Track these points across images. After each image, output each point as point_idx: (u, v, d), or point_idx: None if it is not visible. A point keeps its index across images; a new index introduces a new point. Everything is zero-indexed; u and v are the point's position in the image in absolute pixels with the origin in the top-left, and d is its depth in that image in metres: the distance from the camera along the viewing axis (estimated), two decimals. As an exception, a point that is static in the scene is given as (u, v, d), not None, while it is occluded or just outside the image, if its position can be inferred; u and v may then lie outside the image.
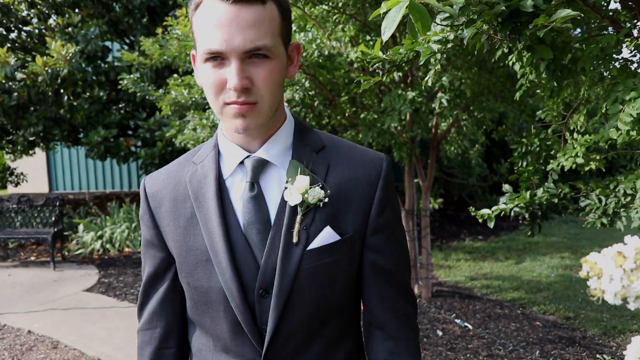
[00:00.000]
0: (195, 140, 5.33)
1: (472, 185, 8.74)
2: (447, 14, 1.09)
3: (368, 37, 3.00)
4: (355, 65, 3.57)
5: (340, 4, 3.18)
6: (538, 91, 2.67)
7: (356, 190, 1.02)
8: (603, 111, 1.81)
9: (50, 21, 8.43)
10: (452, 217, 9.24)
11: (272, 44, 0.94)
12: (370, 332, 1.10)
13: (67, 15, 8.17)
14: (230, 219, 1.01)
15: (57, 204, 6.83)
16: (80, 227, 7.68)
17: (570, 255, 6.65)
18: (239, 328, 1.01)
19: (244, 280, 0.99)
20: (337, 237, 0.99)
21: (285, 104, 0.83)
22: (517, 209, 2.50)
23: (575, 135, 2.67)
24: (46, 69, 7.01)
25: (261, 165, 1.02)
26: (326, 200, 0.99)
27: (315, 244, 0.98)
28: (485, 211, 2.44)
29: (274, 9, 0.95)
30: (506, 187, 2.55)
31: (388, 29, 0.77)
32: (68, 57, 6.97)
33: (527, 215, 2.51)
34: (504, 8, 1.03)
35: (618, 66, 1.86)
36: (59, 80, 7.25)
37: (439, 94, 3.64)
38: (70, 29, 8.13)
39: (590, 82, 2.23)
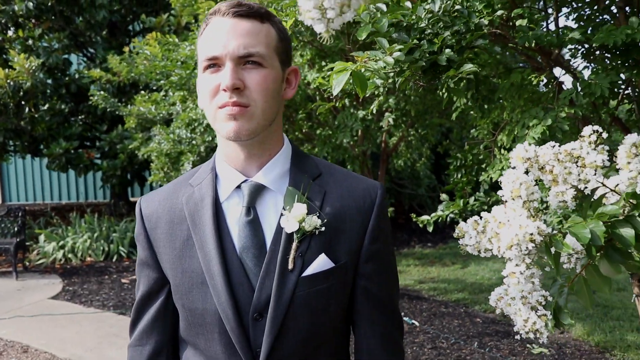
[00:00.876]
0: (159, 152, 5.59)
1: (421, 195, 9.25)
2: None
3: (323, 63, 3.37)
4: (312, 86, 3.95)
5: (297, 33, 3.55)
6: (471, 112, 3.10)
7: (351, 218, 1.05)
8: (515, 133, 2.23)
9: (10, 33, 8.50)
10: (403, 225, 9.71)
11: (266, 53, 0.99)
12: (359, 356, 1.12)
13: (27, 28, 8.27)
14: (226, 243, 1.03)
15: (20, 214, 6.92)
16: (41, 238, 7.76)
17: (511, 260, 7.18)
18: (233, 350, 1.02)
19: (239, 304, 1.01)
20: (331, 264, 1.01)
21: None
22: (452, 215, 2.91)
23: (502, 151, 3.11)
24: (8, 81, 7.12)
25: (258, 190, 1.05)
26: (322, 228, 1.01)
27: (310, 270, 1.00)
28: (424, 217, 2.84)
29: (271, 28, 1.02)
30: (443, 196, 2.95)
31: (337, 87, 1.11)
32: (31, 70, 7.11)
33: (461, 221, 2.92)
34: (424, 63, 1.41)
35: (526, 96, 2.28)
36: (21, 93, 7.37)
37: (387, 114, 4.05)
38: (30, 41, 8.23)
39: (510, 108, 2.66)
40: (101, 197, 11.47)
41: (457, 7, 1.57)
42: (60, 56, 8.19)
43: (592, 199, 0.96)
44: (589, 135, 0.91)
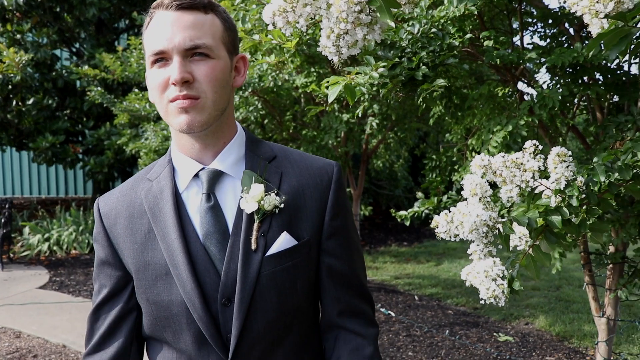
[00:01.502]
0: (148, 148, 5.79)
1: (398, 196, 9.57)
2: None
3: (312, 69, 3.63)
4: (300, 90, 4.22)
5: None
6: (447, 118, 3.40)
7: (310, 196, 1.07)
8: (482, 138, 2.52)
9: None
10: (381, 225, 10.02)
11: (212, 44, 0.99)
12: (330, 334, 1.13)
13: (16, 22, 8.38)
14: (189, 232, 1.03)
15: (7, 206, 7.05)
16: (26, 230, 7.88)
17: (483, 258, 7.54)
18: (202, 339, 1.02)
19: (206, 291, 1.01)
20: (294, 242, 1.02)
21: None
22: (427, 211, 3.20)
23: (473, 153, 3.42)
24: (-3, 75, 7.24)
25: (216, 177, 1.05)
26: (282, 206, 1.03)
27: (273, 249, 1.01)
28: (402, 212, 3.13)
29: (216, 18, 1.02)
30: (419, 194, 3.24)
31: (332, 96, 1.37)
32: (21, 65, 7.24)
33: (435, 216, 3.23)
34: (403, 78, 1.69)
35: (492, 106, 2.59)
36: (9, 86, 7.49)
37: (370, 118, 4.33)
38: (19, 35, 8.34)
39: (480, 115, 2.96)
40: (81, 192, 11.55)
41: (433, 29, 1.85)
42: (48, 51, 8.31)
43: (533, 194, 1.26)
44: (530, 147, 1.20)
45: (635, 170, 1.07)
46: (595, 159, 1.11)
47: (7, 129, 8.25)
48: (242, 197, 1.02)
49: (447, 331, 4.33)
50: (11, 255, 7.36)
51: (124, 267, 1.09)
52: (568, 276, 6.43)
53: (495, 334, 4.39)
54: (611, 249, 2.82)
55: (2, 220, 6.97)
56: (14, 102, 8.00)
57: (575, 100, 2.57)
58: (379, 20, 0.76)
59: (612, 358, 3.02)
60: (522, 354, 3.96)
